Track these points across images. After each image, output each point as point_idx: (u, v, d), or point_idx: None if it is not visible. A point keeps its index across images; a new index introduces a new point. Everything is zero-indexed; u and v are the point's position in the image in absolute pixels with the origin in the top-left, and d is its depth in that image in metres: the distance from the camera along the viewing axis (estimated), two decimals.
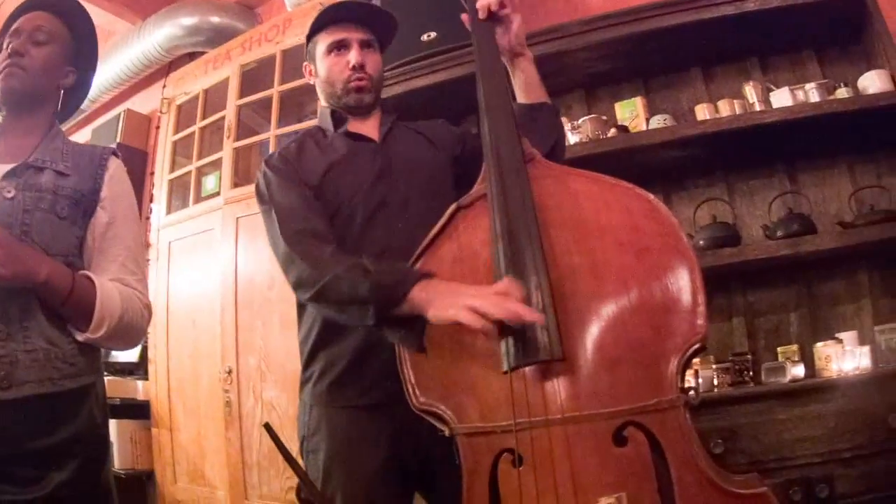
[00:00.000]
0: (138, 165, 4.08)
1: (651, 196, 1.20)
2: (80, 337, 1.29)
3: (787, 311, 2.54)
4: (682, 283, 1.11)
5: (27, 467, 1.20)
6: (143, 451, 3.58)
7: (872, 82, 2.35)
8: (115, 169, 1.45)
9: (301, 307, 1.55)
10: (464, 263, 1.24)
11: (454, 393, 1.17)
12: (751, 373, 2.36)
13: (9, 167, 1.33)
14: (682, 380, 1.09)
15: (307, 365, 1.51)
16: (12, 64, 1.40)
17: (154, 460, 3.55)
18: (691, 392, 1.09)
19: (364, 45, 1.63)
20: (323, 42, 1.63)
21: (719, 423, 2.12)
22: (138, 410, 3.57)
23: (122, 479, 3.42)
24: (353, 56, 1.60)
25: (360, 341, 1.41)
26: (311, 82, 1.71)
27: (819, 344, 2.28)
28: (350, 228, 1.47)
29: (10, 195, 1.29)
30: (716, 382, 2.32)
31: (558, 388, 1.08)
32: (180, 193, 3.73)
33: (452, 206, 1.30)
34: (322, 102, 1.71)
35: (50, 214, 1.32)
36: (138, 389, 3.65)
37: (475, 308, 1.07)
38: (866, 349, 2.22)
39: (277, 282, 3.06)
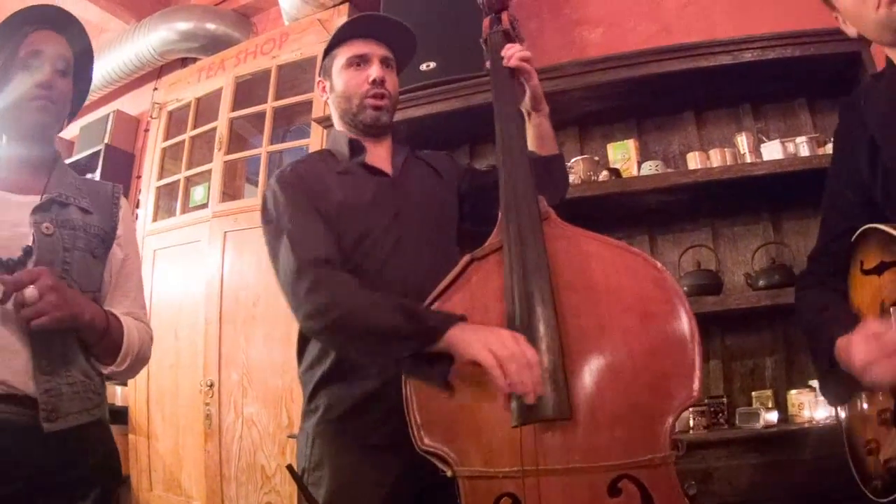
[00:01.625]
0: (125, 168, 3.99)
1: (658, 264, 1.23)
2: (105, 370, 1.33)
3: (764, 355, 2.55)
4: (682, 350, 1.14)
5: (57, 499, 1.22)
6: (120, 456, 3.49)
7: None
8: (125, 207, 1.47)
9: (304, 338, 1.50)
10: (475, 315, 1.24)
11: (459, 437, 1.20)
12: (725, 415, 2.39)
13: (29, 199, 1.30)
14: (673, 434, 1.14)
15: (312, 397, 1.46)
16: (45, 97, 1.34)
17: (130, 466, 3.49)
18: (680, 444, 1.15)
19: (385, 62, 1.57)
20: (342, 55, 1.57)
21: (694, 466, 2.13)
22: (116, 416, 3.46)
23: None
24: (374, 70, 1.53)
25: (369, 381, 1.38)
26: (325, 99, 1.65)
27: (793, 391, 2.31)
28: (365, 269, 1.41)
29: (49, 232, 1.27)
30: (692, 424, 2.34)
31: (561, 440, 1.14)
32: (167, 201, 3.66)
33: (466, 258, 1.29)
34: (335, 122, 1.62)
35: (86, 253, 1.33)
36: (117, 394, 3.57)
37: (496, 354, 1.11)
38: None
39: (262, 298, 3.03)
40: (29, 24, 1.39)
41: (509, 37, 1.63)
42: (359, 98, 1.53)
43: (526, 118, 1.61)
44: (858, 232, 1.21)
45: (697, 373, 1.13)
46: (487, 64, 1.61)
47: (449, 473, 1.18)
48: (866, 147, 1.22)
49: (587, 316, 1.19)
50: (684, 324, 1.16)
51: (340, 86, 1.56)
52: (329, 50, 1.61)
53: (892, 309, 1.08)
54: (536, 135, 1.61)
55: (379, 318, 1.23)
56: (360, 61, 1.55)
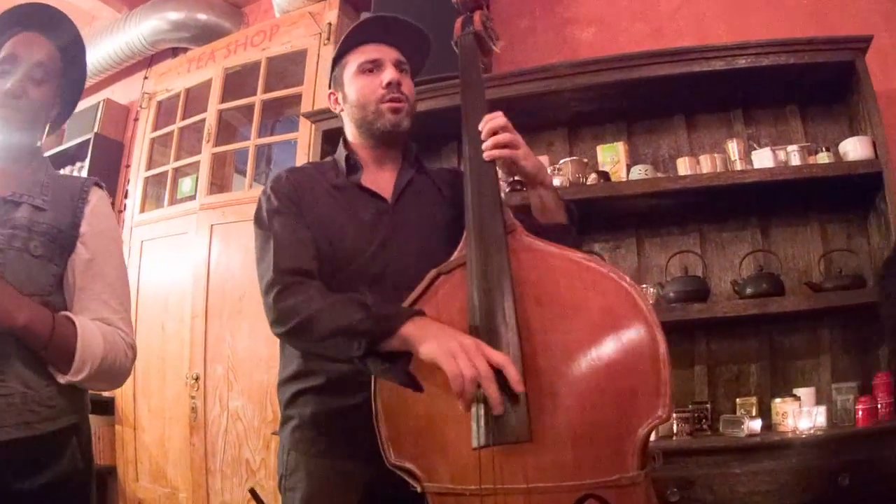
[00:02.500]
0: (114, 157, 3.91)
1: (627, 279, 1.17)
2: (61, 379, 1.21)
3: (749, 361, 2.52)
4: (650, 367, 1.09)
5: None
6: (107, 446, 3.46)
7: (854, 148, 2.32)
8: (97, 202, 1.35)
9: (283, 348, 1.45)
10: None
11: (426, 453, 1.17)
12: (709, 421, 2.36)
13: None
14: (645, 452, 1.10)
15: (287, 406, 1.42)
16: (8, 107, 1.27)
17: (117, 457, 3.45)
18: (656, 456, 1.12)
19: (398, 66, 1.44)
20: (354, 62, 1.45)
21: (676, 473, 2.11)
22: (103, 406, 3.44)
23: None
24: (387, 73, 1.41)
25: (342, 398, 1.33)
26: (337, 111, 1.52)
27: (777, 400, 2.28)
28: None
29: None
30: (675, 430, 2.31)
31: (524, 459, 1.09)
32: (155, 191, 3.58)
33: (433, 272, 1.25)
34: (350, 135, 1.50)
35: (23, 253, 1.23)
36: None
37: (460, 367, 1.05)
38: (822, 409, 2.22)
39: (248, 293, 2.97)
40: (15, 24, 1.33)
41: (481, 39, 1.53)
42: (374, 104, 1.42)
43: (528, 190, 1.44)
44: None
45: (666, 391, 1.08)
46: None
47: (418, 489, 1.15)
48: None
49: (552, 332, 1.14)
50: (653, 341, 1.10)
51: (353, 94, 1.45)
52: (338, 59, 1.49)
53: None
54: (535, 205, 1.42)
55: (337, 317, 1.19)
56: (372, 66, 1.43)
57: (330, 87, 1.54)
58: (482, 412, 1.08)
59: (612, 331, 1.12)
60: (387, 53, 1.44)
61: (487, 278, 1.17)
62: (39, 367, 1.20)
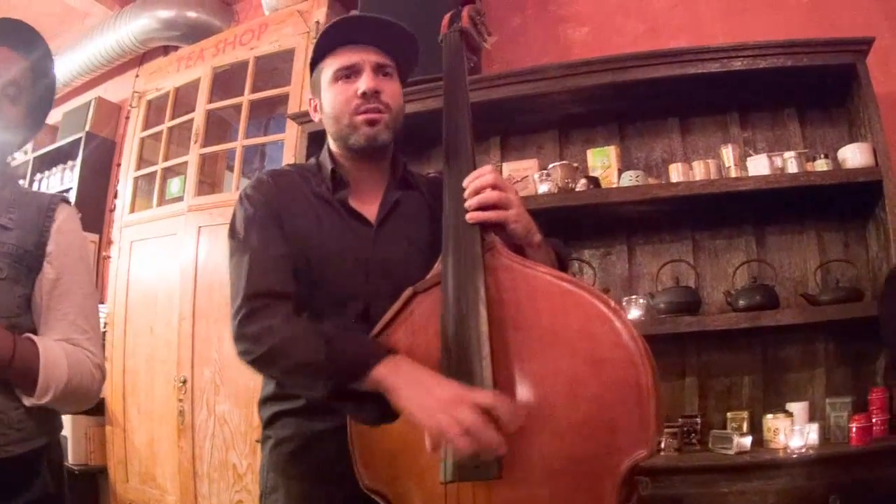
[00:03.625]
0: (106, 155, 3.83)
1: (612, 303, 1.06)
2: (27, 402, 1.16)
3: (741, 373, 2.40)
4: (634, 399, 0.99)
5: None
6: (97, 447, 3.39)
7: (853, 155, 2.19)
8: (64, 219, 1.29)
9: None
10: (417, 352, 1.12)
11: (399, 479, 1.11)
12: (698, 435, 2.26)
13: None
14: (627, 484, 1.00)
15: (266, 426, 1.34)
16: None
17: (107, 458, 3.37)
18: (641, 485, 1.07)
19: (379, 69, 1.27)
20: (329, 68, 1.29)
21: (663, 492, 2.02)
22: (93, 407, 3.34)
23: (76, 475, 3.27)
24: (363, 81, 1.24)
25: (320, 422, 1.25)
26: (317, 120, 1.37)
27: (769, 416, 2.18)
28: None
29: None
30: (663, 446, 2.20)
31: (499, 493, 1.02)
32: (145, 192, 3.48)
33: (409, 291, 1.16)
34: (331, 146, 1.34)
35: None
36: None
37: (444, 430, 0.96)
38: (815, 426, 2.11)
39: None
40: None
41: (469, 36, 1.40)
42: (348, 116, 1.26)
43: None
44: None
45: (651, 426, 0.98)
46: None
47: None
48: None
49: (529, 360, 1.05)
50: (637, 372, 1.00)
51: (328, 104, 1.29)
52: (315, 63, 1.34)
53: None
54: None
55: (302, 353, 1.11)
56: (349, 72, 1.26)
57: (310, 94, 1.39)
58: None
59: (593, 360, 1.03)
60: (366, 56, 1.27)
61: (461, 300, 1.08)
62: (7, 389, 1.15)
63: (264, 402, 1.34)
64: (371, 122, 1.25)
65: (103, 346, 3.26)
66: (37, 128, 1.39)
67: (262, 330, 1.14)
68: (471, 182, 1.17)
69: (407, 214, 1.33)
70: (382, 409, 1.05)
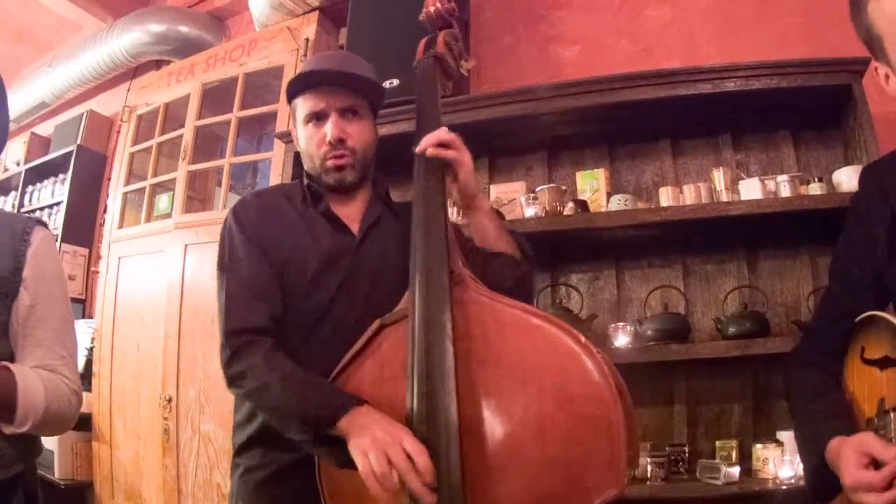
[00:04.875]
0: (97, 169, 3.77)
1: (582, 338, 1.03)
2: (6, 430, 1.14)
3: (731, 401, 2.30)
4: (604, 437, 0.97)
5: None
6: (84, 462, 3.32)
7: (848, 178, 2.08)
8: (40, 243, 1.27)
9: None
10: (384, 385, 1.13)
11: None
12: (686, 464, 2.18)
13: None
14: None
15: (239, 452, 1.35)
16: None
17: (94, 473, 3.30)
18: None
19: (346, 112, 1.34)
20: (301, 109, 1.37)
21: None
22: (80, 422, 3.25)
23: (62, 489, 3.20)
24: (329, 128, 1.32)
25: (289, 453, 1.25)
26: (297, 148, 1.43)
27: (759, 445, 2.09)
28: (296, 336, 1.27)
29: None
30: (649, 475, 2.12)
31: None
32: (134, 207, 3.40)
33: (376, 323, 1.16)
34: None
35: None
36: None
37: (375, 466, 0.99)
38: None
39: None
40: None
41: (443, 62, 1.40)
42: (319, 159, 1.35)
43: (464, 217, 1.34)
44: (864, 316, 1.12)
45: (621, 465, 0.96)
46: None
47: None
48: (887, 221, 1.13)
49: (497, 395, 1.03)
50: (607, 409, 0.98)
51: (302, 143, 1.38)
52: (290, 99, 1.41)
53: (893, 414, 0.99)
54: (473, 230, 1.31)
55: (277, 399, 1.15)
56: (317, 116, 1.34)
57: (291, 124, 1.46)
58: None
59: (561, 396, 1.00)
60: (332, 101, 1.33)
61: (428, 334, 1.07)
62: None
63: (238, 426, 1.36)
64: (339, 168, 1.34)
65: (90, 362, 3.30)
66: None
67: (243, 371, 1.19)
68: (430, 136, 1.23)
69: (385, 237, 1.37)
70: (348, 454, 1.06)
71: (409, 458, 0.99)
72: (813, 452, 1.07)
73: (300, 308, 1.28)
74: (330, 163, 1.33)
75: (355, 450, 1.02)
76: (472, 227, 1.31)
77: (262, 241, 1.30)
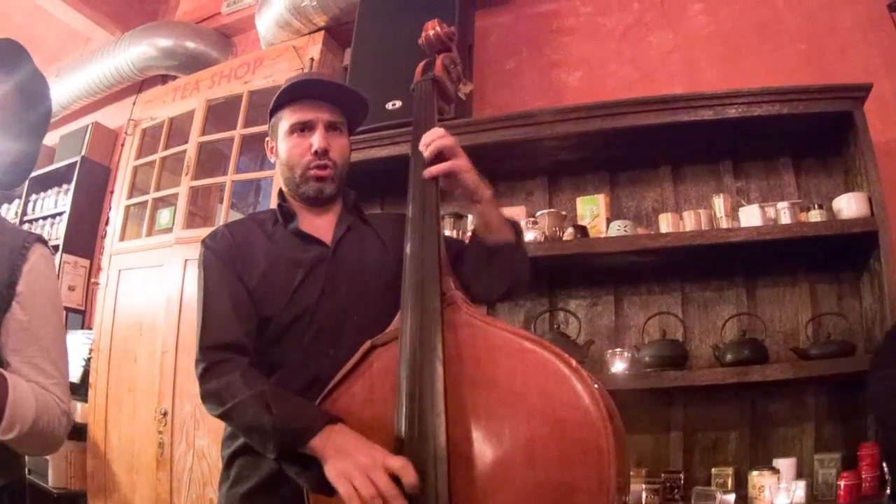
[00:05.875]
0: (100, 181, 3.75)
1: (573, 362, 1.01)
2: None
3: (728, 428, 2.28)
4: (594, 462, 0.95)
5: None
6: (78, 472, 3.28)
7: (848, 205, 2.08)
8: (37, 260, 1.23)
9: None
10: (374, 406, 1.12)
11: None
12: (681, 491, 2.15)
13: None
14: None
15: (228, 465, 1.34)
16: None
17: (87, 483, 3.25)
18: None
19: (330, 127, 1.37)
20: (287, 120, 1.38)
21: None
22: (75, 432, 3.23)
23: (55, 498, 3.15)
24: (316, 139, 1.34)
25: (275, 463, 1.23)
26: (273, 161, 1.46)
27: (754, 472, 2.05)
28: (278, 347, 1.29)
29: None
30: (644, 501, 2.09)
31: None
32: (136, 220, 3.39)
33: (367, 344, 1.16)
34: (282, 185, 1.44)
35: None
36: (77, 410, 3.32)
37: (362, 491, 0.98)
38: (801, 483, 2.00)
39: None
40: None
41: (441, 85, 1.41)
42: (301, 168, 1.36)
43: (468, 209, 1.39)
44: None
45: (611, 489, 0.94)
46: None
47: None
48: None
49: (486, 417, 1.02)
50: (597, 434, 0.96)
51: (284, 153, 1.38)
52: (274, 111, 1.42)
53: None
54: (479, 223, 1.37)
55: (249, 415, 1.14)
56: (303, 127, 1.36)
57: (268, 135, 1.46)
58: None
59: (551, 420, 0.99)
60: (320, 114, 1.37)
61: (418, 356, 1.06)
62: None
63: (226, 439, 1.35)
64: (320, 179, 1.35)
65: (87, 373, 3.26)
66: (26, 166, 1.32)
67: (220, 388, 1.17)
68: (426, 138, 1.25)
69: (359, 242, 1.40)
70: (322, 476, 1.05)
71: (394, 479, 0.98)
72: None
73: (284, 315, 1.28)
74: (312, 172, 1.35)
75: (335, 474, 1.01)
76: (479, 218, 1.35)
77: (234, 263, 1.30)
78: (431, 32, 1.44)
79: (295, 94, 1.37)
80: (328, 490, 1.04)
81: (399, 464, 0.99)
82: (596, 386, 1.00)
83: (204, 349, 1.23)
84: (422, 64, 1.44)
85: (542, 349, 1.04)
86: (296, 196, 1.39)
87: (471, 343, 1.08)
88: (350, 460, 1.01)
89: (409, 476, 0.97)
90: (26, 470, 1.29)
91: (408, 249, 1.19)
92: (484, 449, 1.00)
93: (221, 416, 1.19)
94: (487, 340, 1.08)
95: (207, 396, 1.20)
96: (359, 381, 1.14)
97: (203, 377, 1.20)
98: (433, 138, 1.25)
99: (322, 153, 1.34)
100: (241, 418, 1.16)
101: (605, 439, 0.94)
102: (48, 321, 1.23)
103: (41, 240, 1.28)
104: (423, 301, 1.11)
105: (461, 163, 1.26)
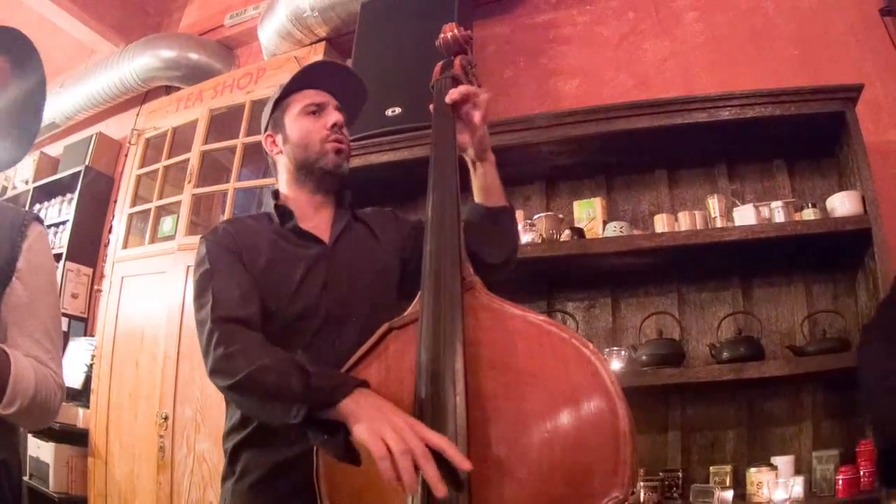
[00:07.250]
0: (104, 190, 3.78)
1: (590, 346, 1.02)
2: None
3: (726, 427, 2.28)
4: (609, 446, 0.96)
5: None
6: (79, 477, 3.27)
7: (842, 203, 2.10)
8: (36, 238, 1.25)
9: (228, 401, 1.33)
10: (389, 388, 1.09)
11: None
12: (680, 489, 2.15)
13: None
14: None
15: (231, 461, 1.32)
16: None
17: (88, 488, 3.24)
18: None
19: (340, 111, 1.43)
20: (298, 103, 1.42)
21: None
22: (77, 437, 3.26)
23: (56, 502, 3.15)
24: (332, 116, 1.40)
25: (285, 449, 1.24)
26: (274, 153, 1.45)
27: (752, 469, 2.06)
28: (283, 343, 1.24)
29: None
30: (643, 499, 2.09)
31: None
32: (139, 229, 3.41)
33: (385, 326, 1.14)
34: (283, 182, 1.44)
35: None
36: (79, 416, 3.33)
37: (389, 446, 0.93)
38: (800, 479, 2.00)
39: None
40: None
41: (459, 83, 1.41)
42: (319, 143, 1.38)
43: (471, 168, 1.41)
44: None
45: (625, 471, 0.94)
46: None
47: None
48: None
49: (505, 399, 1.01)
50: (613, 416, 0.97)
51: (296, 134, 1.40)
52: (279, 102, 1.45)
53: None
54: (482, 185, 1.41)
55: (274, 378, 1.10)
56: (316, 109, 1.41)
57: (266, 130, 1.47)
58: (419, 492, 0.94)
59: (569, 402, 0.99)
60: (329, 99, 1.43)
61: (438, 337, 1.05)
62: None
63: (229, 433, 1.33)
64: (338, 151, 1.39)
65: (90, 378, 3.26)
66: (23, 146, 1.35)
67: (237, 351, 1.15)
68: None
69: (357, 238, 1.42)
70: (349, 442, 1.02)
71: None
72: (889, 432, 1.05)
73: (287, 311, 1.28)
74: (331, 145, 1.38)
75: (368, 433, 0.96)
76: (482, 179, 1.39)
77: (239, 253, 1.30)
78: (449, 35, 1.46)
79: (307, 81, 1.43)
80: (353, 458, 1.01)
81: (440, 439, 0.94)
82: (611, 370, 1.01)
83: (216, 320, 1.19)
84: (440, 64, 1.47)
85: (560, 332, 1.05)
86: (310, 176, 1.40)
87: (489, 326, 1.08)
88: (384, 421, 0.98)
89: (454, 454, 0.92)
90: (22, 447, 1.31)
91: (428, 234, 1.20)
92: (502, 429, 1.00)
93: (234, 386, 1.14)
94: (506, 324, 1.09)
95: (220, 361, 1.15)
96: (374, 363, 1.13)
97: (216, 344, 1.16)
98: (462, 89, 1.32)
99: (339, 126, 1.39)
100: (260, 384, 1.11)
101: (622, 421, 0.96)
102: (46, 296, 1.25)
103: (38, 219, 1.30)
104: (444, 284, 1.11)
105: (483, 98, 1.33)
